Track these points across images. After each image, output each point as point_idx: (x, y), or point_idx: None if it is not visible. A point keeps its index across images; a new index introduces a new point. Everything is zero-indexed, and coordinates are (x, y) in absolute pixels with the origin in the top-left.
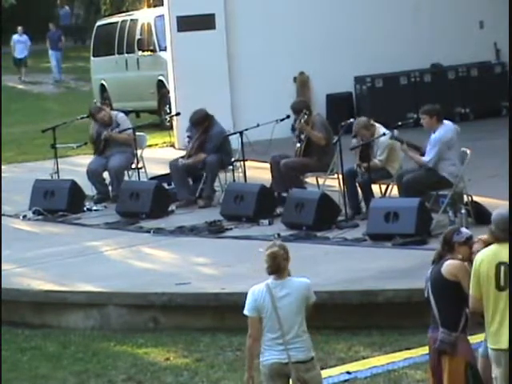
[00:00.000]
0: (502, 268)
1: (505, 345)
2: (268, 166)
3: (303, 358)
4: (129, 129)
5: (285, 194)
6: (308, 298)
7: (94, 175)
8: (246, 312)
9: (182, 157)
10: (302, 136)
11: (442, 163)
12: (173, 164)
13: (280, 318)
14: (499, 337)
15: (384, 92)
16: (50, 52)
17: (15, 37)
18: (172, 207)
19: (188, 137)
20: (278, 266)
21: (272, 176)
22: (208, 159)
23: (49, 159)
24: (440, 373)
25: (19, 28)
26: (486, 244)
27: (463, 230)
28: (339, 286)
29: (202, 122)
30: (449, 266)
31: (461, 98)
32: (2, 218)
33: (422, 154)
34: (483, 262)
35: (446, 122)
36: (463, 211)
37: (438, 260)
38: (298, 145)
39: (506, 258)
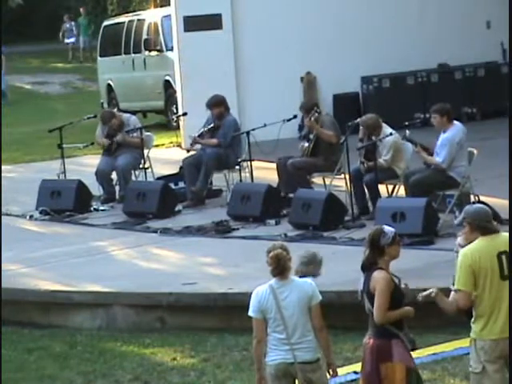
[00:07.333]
0: (504, 257)
1: None
2: (275, 165)
3: (309, 358)
4: (136, 129)
5: (292, 196)
6: (312, 298)
7: (102, 176)
8: (250, 314)
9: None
10: (311, 135)
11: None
12: (185, 160)
13: (285, 318)
14: (506, 326)
15: (391, 92)
16: None
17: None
18: (179, 207)
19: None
20: (282, 268)
21: (279, 178)
22: (207, 151)
23: (56, 159)
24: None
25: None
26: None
27: (386, 229)
28: (346, 287)
29: (218, 105)
30: (373, 281)
31: (468, 97)
32: (10, 218)
33: (431, 154)
34: (482, 256)
35: (455, 122)
36: None
37: (369, 267)
38: (306, 144)
39: (503, 247)
